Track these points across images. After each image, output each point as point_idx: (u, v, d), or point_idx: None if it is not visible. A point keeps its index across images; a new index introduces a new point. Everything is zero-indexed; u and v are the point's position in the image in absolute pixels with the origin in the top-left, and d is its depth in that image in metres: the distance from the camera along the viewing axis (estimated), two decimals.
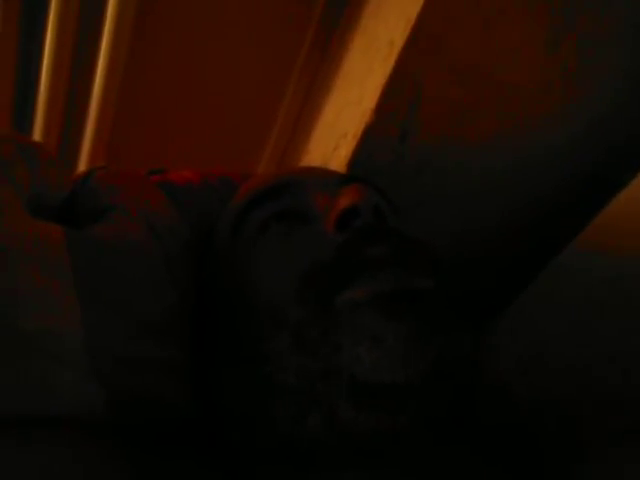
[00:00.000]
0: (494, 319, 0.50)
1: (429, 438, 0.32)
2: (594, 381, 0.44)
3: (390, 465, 0.31)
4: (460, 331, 0.31)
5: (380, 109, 0.49)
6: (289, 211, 0.36)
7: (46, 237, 0.32)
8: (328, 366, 0.30)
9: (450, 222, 0.54)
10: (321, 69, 0.62)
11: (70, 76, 0.61)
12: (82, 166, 0.67)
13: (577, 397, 0.44)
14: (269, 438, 0.32)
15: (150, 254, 0.36)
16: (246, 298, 0.34)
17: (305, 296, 0.31)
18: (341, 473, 0.31)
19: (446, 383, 0.30)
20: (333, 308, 0.30)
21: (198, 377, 0.35)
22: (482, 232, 0.57)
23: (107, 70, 0.59)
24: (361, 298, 0.30)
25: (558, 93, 0.51)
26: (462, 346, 0.31)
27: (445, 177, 0.53)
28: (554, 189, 0.56)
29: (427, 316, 0.30)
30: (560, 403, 0.45)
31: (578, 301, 0.46)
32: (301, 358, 0.30)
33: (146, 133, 0.67)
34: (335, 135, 0.55)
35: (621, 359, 0.42)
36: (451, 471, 0.32)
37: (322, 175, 0.41)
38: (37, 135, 0.64)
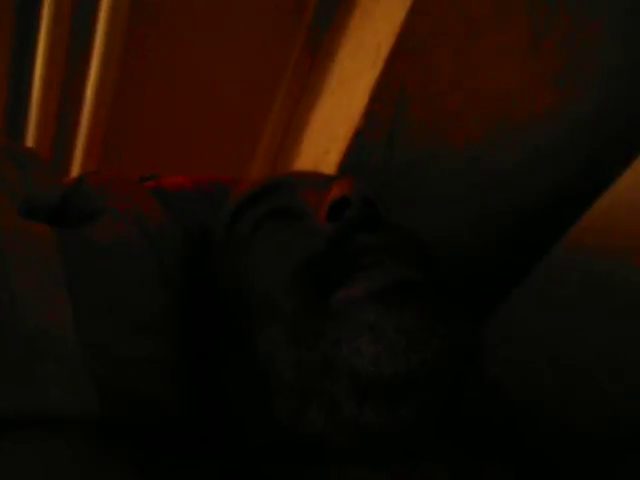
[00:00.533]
0: (483, 321, 0.50)
1: (433, 431, 0.32)
2: (583, 382, 0.44)
3: (395, 460, 0.31)
4: (462, 319, 0.31)
5: (368, 113, 0.49)
6: (281, 208, 0.36)
7: (37, 238, 0.32)
8: (327, 359, 0.29)
9: (437, 225, 0.55)
10: (311, 74, 0.62)
11: (63, 81, 0.61)
12: (75, 171, 0.67)
13: (565, 398, 0.45)
14: (268, 432, 0.32)
15: (142, 255, 0.36)
16: (241, 294, 0.34)
17: (299, 288, 0.31)
18: (344, 468, 0.31)
19: (450, 373, 0.30)
20: (329, 302, 0.30)
21: (195, 376, 0.36)
22: (469, 235, 0.57)
23: (99, 75, 0.60)
24: (358, 295, 0.30)
25: (543, 96, 0.52)
26: (465, 334, 0.31)
27: (432, 180, 0.53)
28: (539, 192, 0.56)
29: (427, 305, 0.30)
30: (548, 404, 0.45)
31: (567, 301, 0.47)
32: (299, 352, 0.30)
33: (138, 138, 0.67)
34: (325, 139, 0.56)
35: (611, 359, 0.43)
36: (456, 467, 0.32)
37: (313, 175, 0.41)
38: (29, 140, 0.64)
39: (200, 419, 0.34)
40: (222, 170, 0.52)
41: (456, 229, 0.55)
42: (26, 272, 0.30)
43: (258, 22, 0.61)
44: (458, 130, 0.51)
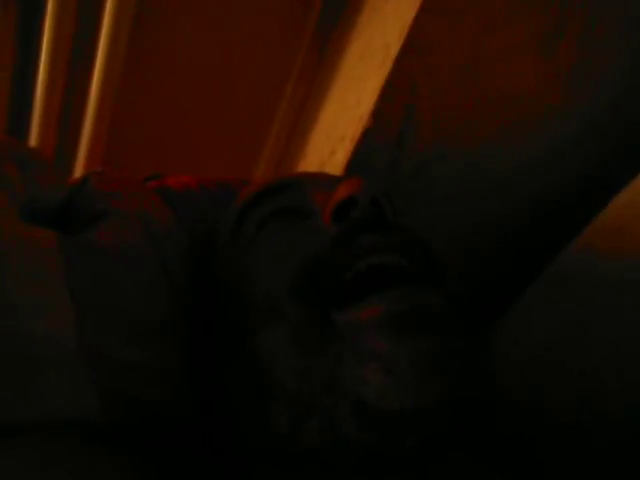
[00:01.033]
0: (492, 324, 0.50)
1: (440, 456, 0.31)
2: (594, 386, 0.43)
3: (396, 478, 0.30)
4: (477, 349, 0.30)
5: (377, 113, 0.49)
6: (288, 208, 0.36)
7: (39, 244, 0.32)
8: (333, 379, 0.29)
9: (448, 226, 0.54)
10: (318, 73, 0.62)
11: (67, 80, 0.61)
12: (78, 172, 0.67)
13: (577, 402, 0.44)
14: (265, 437, 0.31)
15: (145, 258, 0.36)
16: (244, 293, 0.34)
17: (301, 289, 0.31)
18: None
19: (463, 406, 0.29)
20: (333, 318, 0.29)
21: (198, 379, 0.35)
22: (480, 236, 0.57)
23: (104, 73, 0.59)
24: (366, 319, 0.29)
25: (554, 95, 0.51)
26: (481, 365, 0.29)
27: (442, 180, 0.53)
28: (551, 192, 0.56)
29: (444, 336, 0.28)
30: (560, 408, 0.45)
31: (577, 304, 0.46)
32: (303, 362, 0.30)
33: (142, 139, 0.67)
34: (332, 139, 0.55)
35: (621, 363, 0.42)
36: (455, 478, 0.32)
37: (321, 176, 0.41)
38: (33, 140, 0.64)
39: (202, 423, 0.34)
40: (227, 170, 0.51)
41: (466, 229, 0.55)
42: (27, 278, 0.30)
43: (264, 21, 0.60)
44: (468, 130, 0.51)
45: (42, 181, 0.37)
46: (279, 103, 0.65)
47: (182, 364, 0.35)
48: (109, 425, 0.29)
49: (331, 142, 0.56)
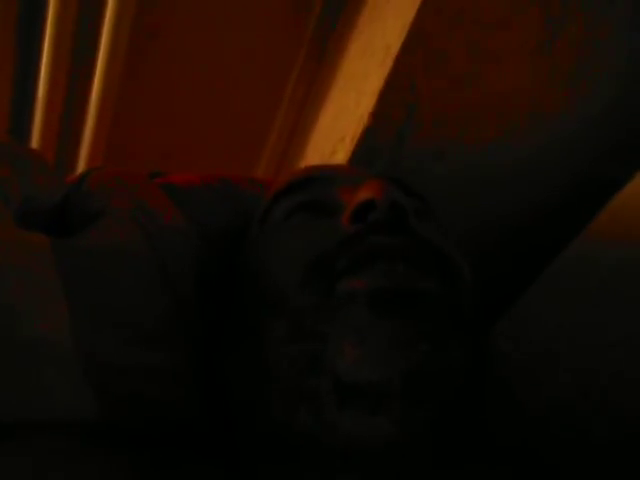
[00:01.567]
0: (495, 324, 0.50)
1: (427, 446, 0.31)
2: (594, 386, 0.43)
3: (385, 472, 0.30)
4: (458, 344, 0.30)
5: (377, 113, 0.49)
6: (314, 202, 0.36)
7: (33, 247, 0.32)
8: (316, 356, 0.29)
9: (448, 225, 0.54)
10: (318, 74, 0.62)
11: (68, 79, 0.61)
12: (80, 169, 0.67)
13: (577, 402, 0.44)
14: (266, 429, 0.31)
15: (142, 258, 0.36)
16: (257, 283, 0.34)
17: (308, 283, 0.31)
18: (333, 476, 0.30)
19: (434, 391, 0.29)
20: (332, 298, 0.30)
21: (200, 377, 0.35)
22: (480, 235, 0.57)
23: (106, 73, 0.60)
24: (359, 289, 0.29)
25: (554, 94, 0.51)
26: (454, 358, 0.30)
27: (442, 180, 0.53)
28: (551, 191, 0.56)
29: (418, 319, 0.29)
30: (560, 408, 0.45)
31: (577, 303, 0.46)
32: (294, 346, 0.30)
33: (144, 140, 0.67)
34: (333, 139, 0.56)
35: (620, 362, 0.42)
36: (453, 477, 0.31)
37: (351, 170, 0.41)
38: (35, 140, 0.64)
39: (204, 421, 0.34)
40: (228, 170, 0.51)
41: (466, 229, 0.55)
42: (21, 280, 0.30)
43: (265, 21, 0.61)
44: (468, 129, 0.51)
45: (38, 182, 0.37)
46: (279, 103, 0.65)
47: (182, 363, 0.35)
48: (108, 425, 0.29)
49: (331, 142, 0.56)
